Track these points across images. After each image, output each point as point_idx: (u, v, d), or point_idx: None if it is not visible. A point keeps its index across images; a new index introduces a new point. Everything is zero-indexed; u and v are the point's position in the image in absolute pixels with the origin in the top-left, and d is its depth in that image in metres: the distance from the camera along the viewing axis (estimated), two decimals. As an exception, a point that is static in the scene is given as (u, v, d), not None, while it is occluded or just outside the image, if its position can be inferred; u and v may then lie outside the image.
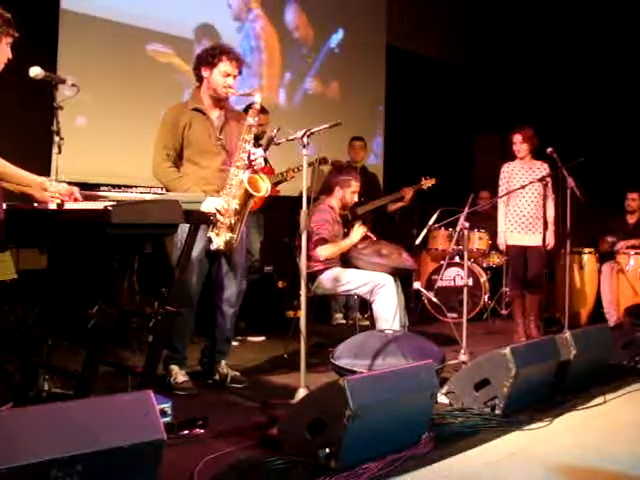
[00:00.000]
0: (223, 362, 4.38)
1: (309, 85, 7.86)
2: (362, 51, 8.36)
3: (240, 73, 4.15)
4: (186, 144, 4.09)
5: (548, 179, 5.82)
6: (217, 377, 4.34)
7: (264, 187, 3.98)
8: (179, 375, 4.13)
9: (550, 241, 6.01)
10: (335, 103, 8.08)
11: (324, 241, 5.13)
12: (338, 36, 8.14)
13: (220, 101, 4.16)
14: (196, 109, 4.12)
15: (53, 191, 2.95)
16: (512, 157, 6.20)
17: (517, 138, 6.09)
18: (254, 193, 3.94)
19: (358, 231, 5.27)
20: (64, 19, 5.64)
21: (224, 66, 4.05)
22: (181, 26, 6.44)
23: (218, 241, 3.95)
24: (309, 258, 5.12)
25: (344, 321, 6.73)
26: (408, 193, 6.98)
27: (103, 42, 5.87)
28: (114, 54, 5.95)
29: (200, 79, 4.16)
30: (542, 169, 6.05)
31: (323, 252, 5.12)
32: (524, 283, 6.11)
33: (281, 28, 7.54)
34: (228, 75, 4.06)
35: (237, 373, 4.39)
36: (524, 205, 6.03)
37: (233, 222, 3.96)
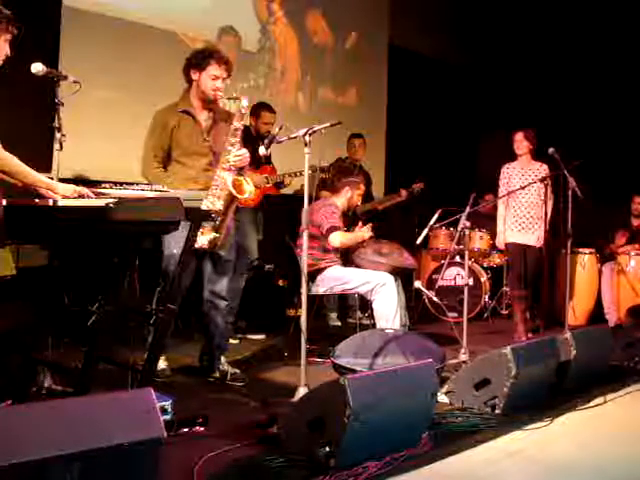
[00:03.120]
0: (223, 359, 4.39)
1: (325, 88, 7.92)
2: (369, 52, 8.39)
3: (229, 76, 4.21)
4: (174, 145, 4.17)
5: (548, 180, 5.86)
6: (217, 374, 4.35)
7: (248, 189, 4.04)
8: (161, 362, 4.20)
9: (541, 239, 6.11)
10: (349, 107, 8.13)
11: (336, 229, 5.14)
12: (352, 39, 8.20)
13: (209, 103, 4.22)
14: (184, 111, 4.19)
15: (58, 193, 2.92)
16: (514, 157, 6.24)
17: (518, 136, 6.18)
18: (237, 195, 4.00)
19: (368, 232, 5.34)
20: (67, 16, 5.64)
21: (213, 69, 4.12)
22: (185, 25, 6.44)
23: (202, 240, 4.01)
24: (320, 250, 5.15)
25: (339, 323, 6.73)
26: (403, 194, 7.05)
27: (106, 39, 5.86)
28: (117, 51, 5.94)
29: (189, 81, 4.23)
30: (542, 170, 6.10)
31: (336, 238, 5.13)
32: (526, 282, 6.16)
33: (301, 32, 7.61)
34: (217, 78, 4.13)
35: (237, 371, 4.40)
36: (524, 205, 6.09)
37: (217, 222, 4.00)
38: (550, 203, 6.06)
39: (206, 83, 4.13)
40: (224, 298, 4.34)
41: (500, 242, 6.27)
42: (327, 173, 6.15)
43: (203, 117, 4.23)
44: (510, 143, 6.26)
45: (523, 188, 5.88)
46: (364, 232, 5.30)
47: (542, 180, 5.84)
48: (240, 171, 4.11)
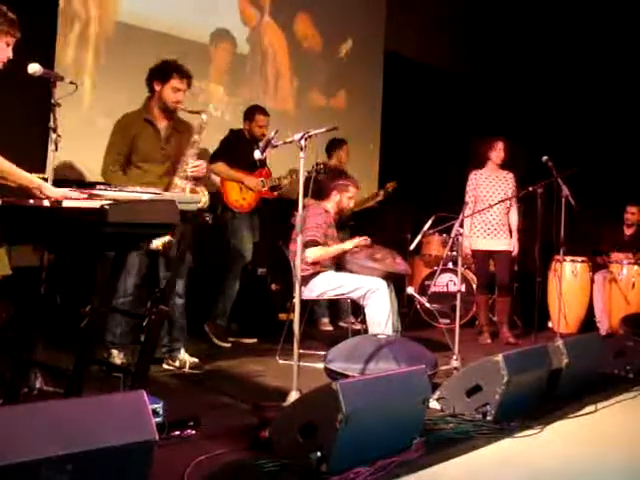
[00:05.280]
0: (182, 350, 4.63)
1: (316, 94, 7.88)
2: (365, 58, 8.38)
3: (189, 87, 4.49)
4: (134, 151, 4.43)
5: (515, 189, 6.25)
6: (177, 364, 4.60)
7: (203, 200, 4.14)
8: (117, 358, 4.45)
9: (515, 248, 6.35)
10: (341, 112, 8.09)
11: (314, 243, 5.12)
12: (347, 45, 8.17)
13: (169, 113, 4.49)
14: (146, 119, 4.46)
15: (47, 195, 2.90)
16: (484, 164, 6.43)
17: (500, 145, 6.38)
18: None
19: (354, 241, 5.31)
20: (63, 17, 5.62)
21: (175, 82, 4.40)
22: (183, 28, 6.43)
23: (157, 242, 4.11)
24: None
25: (331, 327, 6.73)
26: (380, 194, 7.09)
27: (102, 40, 5.85)
28: (113, 53, 5.93)
29: (152, 90, 4.49)
30: (509, 178, 6.38)
31: (311, 254, 5.08)
32: (492, 288, 6.48)
33: (291, 37, 7.56)
34: (178, 91, 4.42)
35: (195, 360, 4.63)
36: (489, 212, 6.22)
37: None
38: (515, 211, 6.37)
39: (168, 95, 4.41)
40: (180, 296, 4.57)
41: (466, 246, 6.28)
42: (320, 174, 6.12)
43: (163, 126, 4.50)
44: (488, 150, 6.34)
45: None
46: (346, 245, 5.29)
47: (534, 189, 5.85)
48: (196, 181, 4.33)
